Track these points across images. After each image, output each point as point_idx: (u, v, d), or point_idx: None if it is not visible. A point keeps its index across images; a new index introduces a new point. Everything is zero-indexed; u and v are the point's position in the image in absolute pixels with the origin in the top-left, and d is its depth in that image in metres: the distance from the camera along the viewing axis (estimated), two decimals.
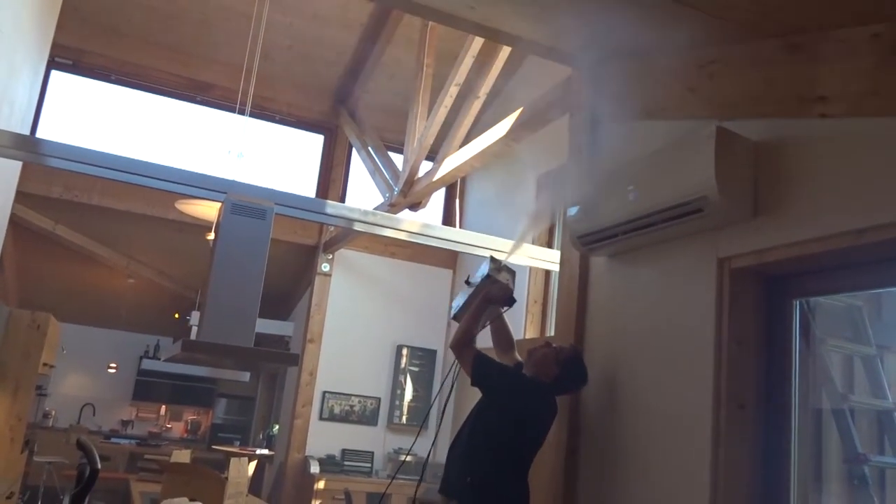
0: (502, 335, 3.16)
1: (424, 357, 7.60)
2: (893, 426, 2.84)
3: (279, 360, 4.30)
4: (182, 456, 3.94)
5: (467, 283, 3.11)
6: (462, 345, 2.89)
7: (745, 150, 2.35)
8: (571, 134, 3.30)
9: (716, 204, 2.30)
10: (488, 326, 3.12)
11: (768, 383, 2.33)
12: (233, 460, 3.33)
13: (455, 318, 3.06)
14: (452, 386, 2.93)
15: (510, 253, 3.36)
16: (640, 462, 2.61)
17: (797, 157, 2.26)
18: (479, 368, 2.83)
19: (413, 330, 7.59)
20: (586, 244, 2.94)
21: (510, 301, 3.04)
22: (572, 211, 3.00)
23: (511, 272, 3.08)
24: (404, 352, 7.51)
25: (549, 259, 4.05)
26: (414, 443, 5.48)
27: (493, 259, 3.11)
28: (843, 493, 2.64)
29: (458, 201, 7.62)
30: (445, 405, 2.92)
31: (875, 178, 2.01)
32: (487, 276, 3.06)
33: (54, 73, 6.56)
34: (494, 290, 3.01)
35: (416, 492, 3.34)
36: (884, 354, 2.98)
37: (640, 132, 2.82)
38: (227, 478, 3.28)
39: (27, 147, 3.63)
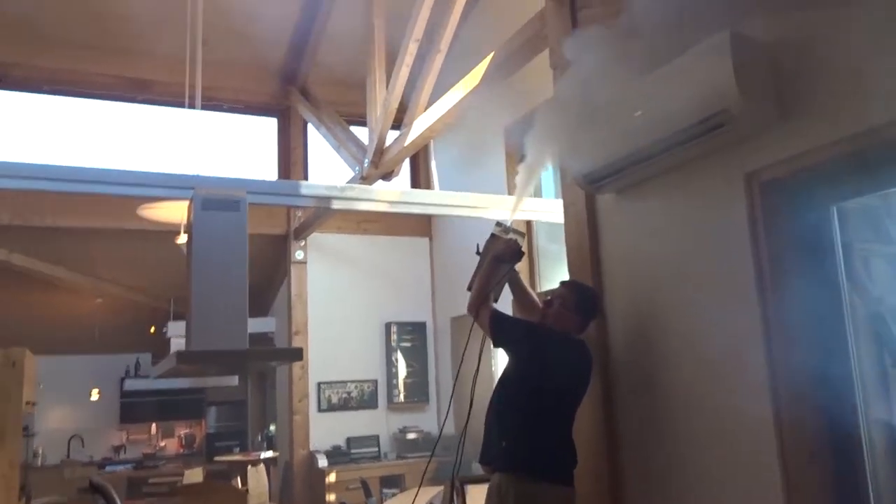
0: (524, 298, 3.03)
1: (414, 331, 7.42)
2: None
3: (281, 357, 4.09)
4: (194, 475, 3.71)
5: (478, 252, 2.97)
6: (477, 305, 2.78)
7: (762, 53, 2.17)
8: (555, 68, 3.10)
9: (740, 115, 2.13)
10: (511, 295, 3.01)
11: (818, 297, 2.18)
12: (250, 470, 3.12)
13: (469, 287, 2.90)
14: (479, 357, 2.76)
15: (513, 211, 3.18)
16: (686, 400, 2.46)
17: (816, 55, 2.09)
18: (498, 326, 2.73)
19: (399, 305, 7.40)
20: (592, 182, 2.76)
21: (518, 255, 2.90)
22: (571, 150, 2.81)
23: (520, 233, 2.99)
24: (393, 329, 7.32)
25: (548, 209, 3.86)
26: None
27: (498, 223, 3.04)
28: None
29: (432, 163, 7.39)
30: (475, 375, 2.72)
31: None
32: (492, 237, 3.00)
33: None
34: (500, 247, 2.89)
35: (425, 469, 3.23)
36: None
37: (636, 53, 2.62)
38: (247, 490, 3.07)
39: None
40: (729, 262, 2.30)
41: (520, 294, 3.07)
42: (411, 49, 4.46)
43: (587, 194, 2.92)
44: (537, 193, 5.71)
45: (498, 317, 2.73)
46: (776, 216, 2.23)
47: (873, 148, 2.01)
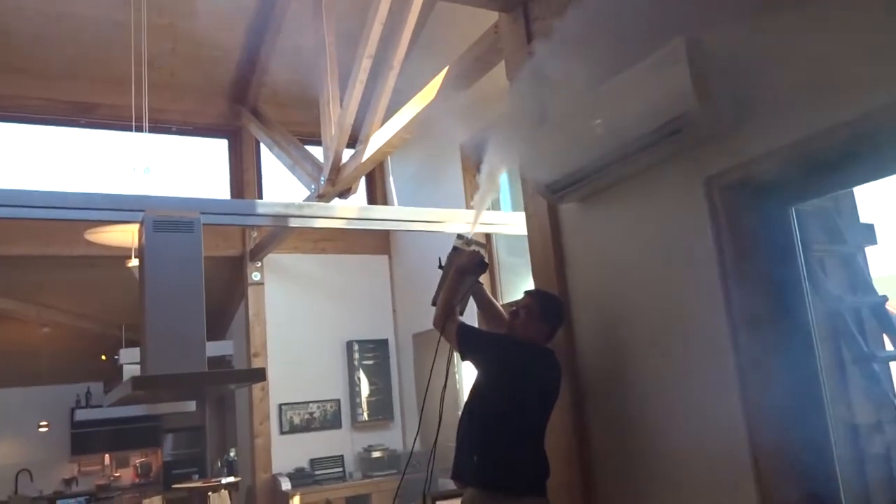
0: (489, 310, 3.01)
1: (377, 348, 7.34)
2: (889, 320, 2.80)
3: (243, 379, 3.97)
4: None
5: (440, 267, 2.94)
6: (443, 318, 2.75)
7: (717, 59, 2.20)
8: (511, 80, 3.11)
9: (697, 120, 2.16)
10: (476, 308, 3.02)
11: (783, 297, 2.21)
12: (213, 496, 3.02)
13: (434, 302, 2.87)
14: (447, 373, 2.72)
15: (474, 223, 3.17)
16: (658, 406, 2.47)
17: (768, 61, 2.13)
18: (465, 338, 2.70)
19: (360, 323, 7.31)
20: (555, 192, 2.76)
21: (482, 266, 2.88)
22: (533, 160, 2.82)
23: (481, 244, 2.99)
24: (355, 347, 7.23)
25: (508, 221, 3.85)
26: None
27: (459, 235, 3.03)
28: (862, 393, 2.58)
29: (390, 179, 7.34)
30: (443, 391, 2.68)
31: (848, 67, 1.91)
32: (454, 249, 2.98)
33: None
34: (464, 260, 2.87)
35: (398, 486, 3.19)
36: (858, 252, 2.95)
37: (591, 62, 2.64)
38: None
39: None
40: (694, 266, 2.32)
41: (485, 306, 3.06)
42: (364, 65, 4.43)
43: (549, 204, 2.92)
44: (496, 207, 5.72)
45: (465, 329, 2.71)
46: (737, 219, 2.25)
47: (827, 150, 2.05)
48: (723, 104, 2.18)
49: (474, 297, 3.01)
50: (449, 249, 3.01)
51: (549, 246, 2.93)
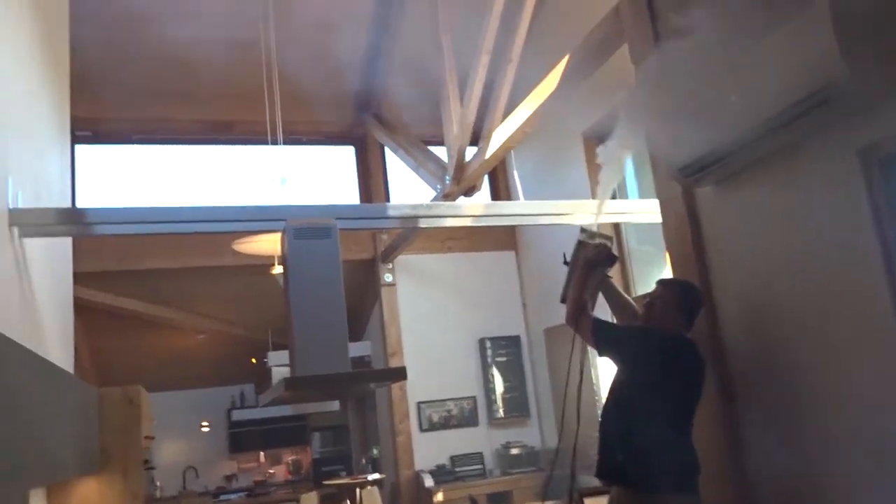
0: (620, 304, 2.92)
1: (509, 345, 7.35)
2: None
3: (386, 378, 4.12)
4: (310, 499, 3.75)
5: (565, 262, 2.89)
6: (576, 315, 2.70)
7: (864, 18, 2.03)
8: (636, 62, 3.01)
9: (846, 88, 2.00)
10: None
11: None
12: (364, 492, 3.12)
13: (563, 299, 2.82)
14: (581, 369, 2.68)
15: (598, 215, 3.08)
16: (815, 394, 2.31)
17: None
18: (601, 334, 2.64)
19: (491, 320, 7.34)
20: (690, 175, 2.64)
21: (611, 259, 2.81)
22: (664, 143, 2.71)
23: (607, 237, 2.90)
24: (488, 344, 7.27)
25: (639, 209, 3.72)
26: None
27: (582, 229, 2.95)
28: None
29: (514, 173, 7.31)
30: (580, 387, 2.64)
31: None
32: (579, 244, 2.91)
33: (78, 148, 6.47)
34: (590, 253, 2.81)
35: (546, 485, 3.15)
36: None
37: (723, 33, 2.51)
38: None
39: (73, 220, 3.46)
40: (849, 247, 2.15)
41: (615, 300, 2.96)
42: (483, 61, 4.43)
43: (684, 188, 2.81)
44: (621, 195, 5.57)
45: (599, 325, 2.64)
46: None
47: None
48: (875, 67, 2.01)
49: (603, 292, 2.92)
50: (573, 242, 2.94)
51: (686, 232, 2.81)
